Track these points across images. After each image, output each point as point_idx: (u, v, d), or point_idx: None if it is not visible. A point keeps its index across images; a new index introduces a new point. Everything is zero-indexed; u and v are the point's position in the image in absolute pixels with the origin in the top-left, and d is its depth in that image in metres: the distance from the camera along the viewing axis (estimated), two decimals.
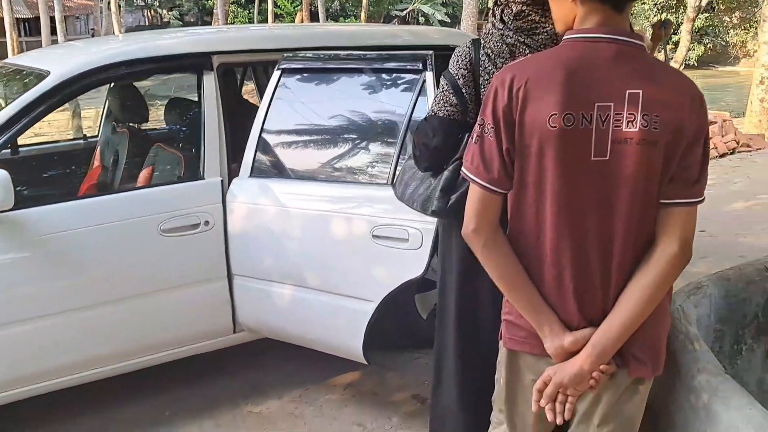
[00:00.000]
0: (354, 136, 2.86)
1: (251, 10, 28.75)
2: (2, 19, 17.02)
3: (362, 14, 18.92)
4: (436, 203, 2.15)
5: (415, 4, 30.43)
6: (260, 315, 3.02)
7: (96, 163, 3.83)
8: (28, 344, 2.62)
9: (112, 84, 3.39)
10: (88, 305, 2.70)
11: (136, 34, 3.43)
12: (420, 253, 2.53)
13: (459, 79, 2.15)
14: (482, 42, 2.17)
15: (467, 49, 2.18)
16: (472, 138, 1.61)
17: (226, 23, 14.82)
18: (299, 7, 21.31)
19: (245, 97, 4.63)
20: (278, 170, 2.98)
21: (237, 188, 2.96)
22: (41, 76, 2.78)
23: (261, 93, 4.55)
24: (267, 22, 21.86)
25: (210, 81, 3.02)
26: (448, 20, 30.45)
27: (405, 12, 30.56)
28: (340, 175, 2.81)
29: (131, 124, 3.66)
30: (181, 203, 2.87)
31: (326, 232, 2.74)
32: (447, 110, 2.15)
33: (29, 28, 26.77)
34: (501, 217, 1.62)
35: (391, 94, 2.80)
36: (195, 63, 3.03)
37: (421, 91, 2.63)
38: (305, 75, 2.99)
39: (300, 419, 3.05)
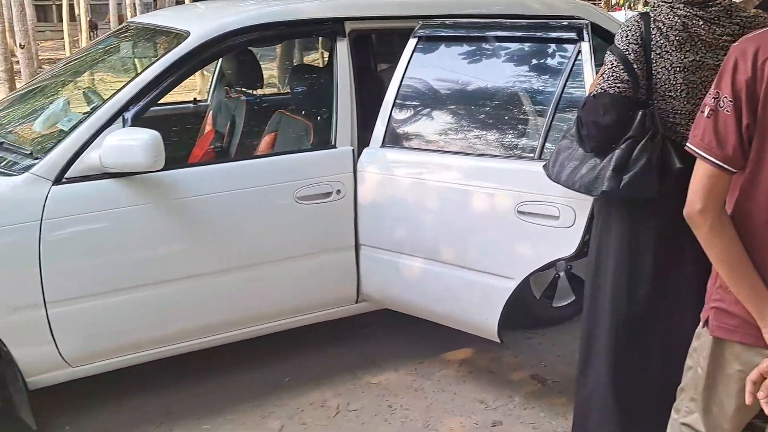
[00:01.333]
0: (496, 108, 2.77)
1: None
2: None
3: None
4: (607, 183, 2.07)
5: None
6: (386, 286, 2.99)
7: (208, 127, 3.82)
8: (167, 305, 2.63)
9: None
10: (225, 269, 2.70)
11: None
12: (572, 231, 2.45)
13: (629, 54, 2.06)
14: (652, 15, 2.07)
15: (636, 23, 2.09)
16: (703, 112, 1.51)
17: None
18: None
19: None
20: (412, 141, 2.92)
21: (368, 158, 2.91)
22: (181, 36, 2.75)
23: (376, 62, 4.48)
24: None
25: (343, 48, 2.96)
26: None
27: None
28: (480, 148, 2.73)
29: (248, 90, 3.64)
30: (314, 171, 2.84)
31: (465, 206, 2.67)
32: (618, 87, 2.06)
33: None
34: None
35: (539, 65, 2.70)
36: (328, 29, 2.97)
37: (576, 62, 2.53)
38: (443, 43, 2.92)
39: (420, 392, 3.03)
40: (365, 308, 3.14)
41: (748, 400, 1.56)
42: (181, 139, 3.79)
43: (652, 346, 2.21)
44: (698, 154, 1.52)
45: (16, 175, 2.40)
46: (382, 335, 3.48)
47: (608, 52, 2.13)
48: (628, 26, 2.10)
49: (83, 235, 2.43)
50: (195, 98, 4.20)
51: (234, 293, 2.76)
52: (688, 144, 1.56)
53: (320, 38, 3.13)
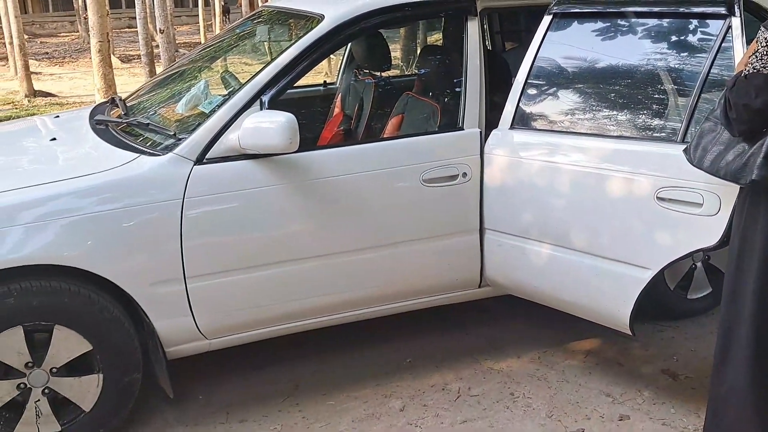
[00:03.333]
0: (634, 89, 2.63)
1: None
2: None
3: None
4: (757, 171, 1.94)
5: None
6: (511, 272, 2.93)
7: (337, 110, 3.88)
8: (298, 283, 2.70)
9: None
10: (353, 249, 2.74)
11: None
12: (716, 220, 2.30)
13: None
14: None
15: None
16: None
17: None
18: None
19: None
20: (544, 122, 2.83)
21: (496, 140, 2.85)
22: (316, 19, 2.79)
23: (493, 42, 4.41)
24: None
25: (474, 27, 2.91)
26: None
27: None
28: (617, 130, 2.61)
29: (376, 72, 3.66)
30: (441, 153, 2.82)
31: (600, 191, 2.57)
32: None
33: None
34: None
35: (682, 42, 2.53)
36: (461, 7, 2.92)
37: (725, 39, 2.36)
38: (579, 20, 2.80)
39: (543, 382, 2.96)
40: (488, 293, 3.10)
41: None
42: (312, 121, 3.88)
43: None
44: None
45: (160, 155, 2.53)
46: (505, 321, 3.43)
47: (762, 29, 1.97)
48: None
49: (222, 214, 2.53)
50: (325, 81, 4.27)
51: (361, 273, 2.80)
52: None
53: (449, 18, 3.07)
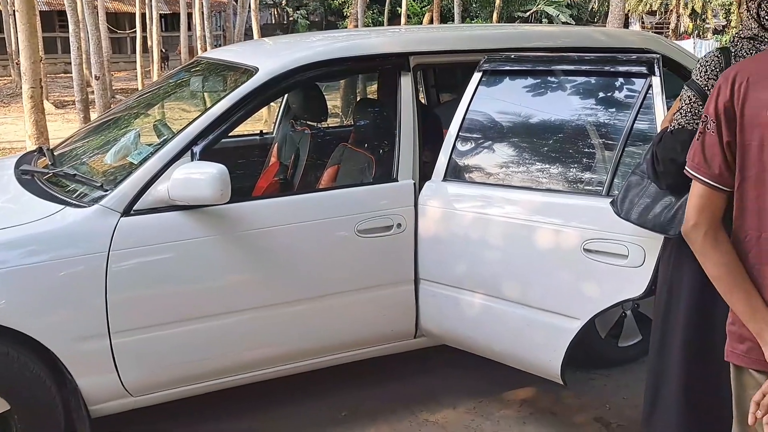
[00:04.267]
0: (561, 143, 2.72)
1: (375, 10, 29.05)
2: (144, 14, 18.00)
3: (494, 15, 18.65)
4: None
5: (539, 6, 29.84)
6: (445, 322, 2.94)
7: (273, 159, 3.88)
8: (229, 337, 2.65)
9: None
10: (287, 301, 2.71)
11: (328, 33, 3.44)
12: (641, 271, 2.37)
13: (709, 89, 1.99)
14: (732, 51, 2.01)
15: (716, 58, 2.04)
16: (696, 137, 1.59)
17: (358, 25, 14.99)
18: (428, 7, 21.28)
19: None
20: (476, 174, 2.89)
21: (430, 191, 2.89)
22: (249, 72, 2.80)
23: (428, 95, 4.50)
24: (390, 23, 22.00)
25: (407, 82, 2.97)
26: (572, 22, 29.68)
27: (528, 13, 30.02)
28: (546, 183, 2.68)
29: (312, 123, 3.68)
30: (376, 204, 2.84)
31: (530, 243, 2.62)
32: (697, 123, 1.99)
33: (166, 24, 28.14)
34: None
35: (607, 99, 2.64)
36: (393, 63, 2.98)
37: (646, 96, 2.47)
38: (508, 77, 2.89)
39: None
40: (424, 343, 3.10)
41: (749, 420, 1.52)
42: (247, 170, 3.86)
43: (727, 391, 2.11)
44: (691, 174, 1.61)
45: (86, 207, 2.47)
46: (441, 370, 3.42)
47: (685, 87, 2.08)
48: (707, 61, 2.06)
49: (148, 266, 2.48)
50: (261, 131, 4.27)
51: (295, 325, 2.76)
52: (686, 167, 1.62)
53: (384, 72, 3.13)
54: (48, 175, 2.80)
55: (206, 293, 2.57)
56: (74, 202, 2.52)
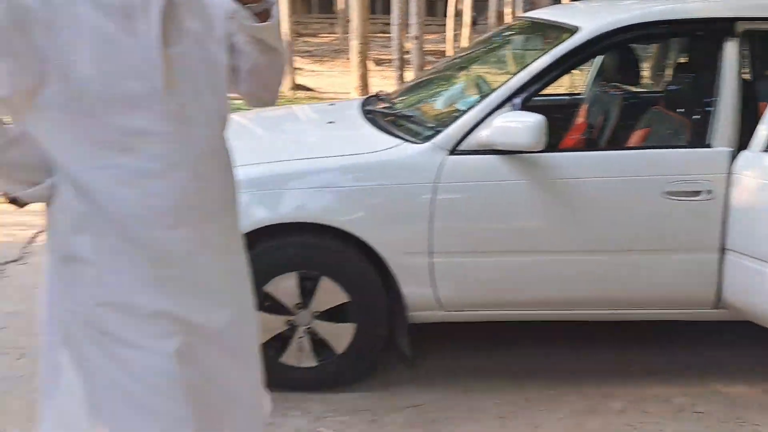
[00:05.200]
0: None
1: None
2: None
3: None
4: None
5: None
6: (752, 297, 2.84)
7: (581, 119, 3.99)
8: (531, 273, 2.88)
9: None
10: (586, 250, 2.86)
11: None
12: None
13: None
14: None
15: None
16: None
17: None
18: None
19: None
20: None
21: (746, 161, 2.80)
22: (571, 31, 2.96)
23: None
24: None
25: (732, 48, 2.89)
26: None
27: None
28: None
29: (624, 85, 3.72)
30: (686, 168, 2.83)
31: None
32: None
33: None
34: None
35: None
36: (718, 28, 2.92)
37: None
38: None
39: None
40: (723, 316, 3.01)
41: None
42: (555, 127, 4.02)
43: None
44: None
45: (420, 143, 2.87)
46: (739, 347, 3.33)
47: None
48: None
49: (467, 201, 2.81)
50: (570, 91, 4.40)
51: (591, 274, 2.90)
52: None
53: (707, 37, 3.07)
54: (388, 116, 3.27)
55: (514, 231, 2.85)
56: (410, 138, 2.93)
